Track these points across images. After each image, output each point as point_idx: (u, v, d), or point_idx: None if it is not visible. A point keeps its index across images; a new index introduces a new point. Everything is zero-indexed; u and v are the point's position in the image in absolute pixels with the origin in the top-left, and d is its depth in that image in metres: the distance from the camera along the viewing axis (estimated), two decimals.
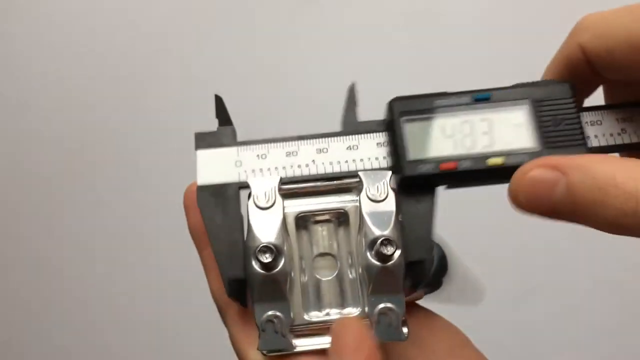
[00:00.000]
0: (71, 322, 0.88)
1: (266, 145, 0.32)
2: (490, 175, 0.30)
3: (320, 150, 0.32)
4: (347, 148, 0.32)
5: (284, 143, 0.32)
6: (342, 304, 0.30)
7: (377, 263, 0.29)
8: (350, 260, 0.31)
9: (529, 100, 0.31)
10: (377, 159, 0.32)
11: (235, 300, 0.30)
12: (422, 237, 0.30)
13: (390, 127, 0.31)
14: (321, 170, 0.31)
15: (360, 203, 0.30)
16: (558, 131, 0.30)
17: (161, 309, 0.86)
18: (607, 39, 0.28)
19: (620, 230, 0.24)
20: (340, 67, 0.85)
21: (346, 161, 0.32)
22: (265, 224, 0.29)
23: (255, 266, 0.29)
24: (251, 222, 0.30)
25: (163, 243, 0.85)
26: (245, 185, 0.31)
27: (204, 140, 0.32)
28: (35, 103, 0.94)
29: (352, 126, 0.33)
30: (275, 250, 0.29)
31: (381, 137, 0.32)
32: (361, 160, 0.32)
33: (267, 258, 0.28)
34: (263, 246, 0.29)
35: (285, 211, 0.30)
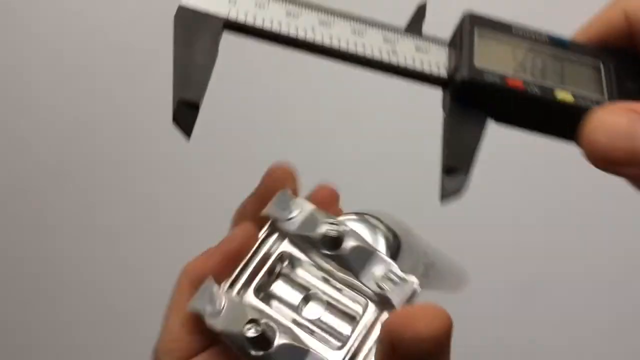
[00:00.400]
0: (71, 321, 0.87)
1: None
2: (555, 113, 0.27)
3: (322, 23, 0.29)
4: (353, 32, 0.29)
5: (287, 3, 0.29)
6: (354, 317, 0.28)
7: (338, 251, 0.28)
8: (323, 279, 0.29)
9: (604, 57, 0.29)
10: (413, 59, 0.28)
11: (177, 126, 0.27)
12: (466, 147, 0.27)
13: (459, 37, 0.28)
14: (318, 39, 0.28)
15: (280, 230, 0.29)
16: (628, 90, 0.28)
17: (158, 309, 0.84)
18: None
19: None
20: (340, 68, 0.83)
21: (355, 43, 0.28)
22: (233, 318, 0.27)
23: (259, 353, 0.26)
24: (220, 329, 0.27)
25: (163, 242, 0.85)
26: (232, 23, 0.28)
27: None
28: (35, 102, 0.91)
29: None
30: (259, 322, 0.26)
31: (424, 43, 0.29)
32: (395, 52, 0.28)
33: (256, 331, 0.26)
34: (246, 324, 0.26)
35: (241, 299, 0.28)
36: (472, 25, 0.28)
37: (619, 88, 0.28)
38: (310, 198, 0.32)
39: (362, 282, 0.28)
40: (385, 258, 0.28)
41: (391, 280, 0.27)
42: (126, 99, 0.90)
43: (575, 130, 0.26)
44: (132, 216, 0.88)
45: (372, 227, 0.31)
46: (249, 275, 0.29)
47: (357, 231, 0.29)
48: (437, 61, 0.28)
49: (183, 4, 0.28)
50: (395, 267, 0.28)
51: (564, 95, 0.27)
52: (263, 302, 0.28)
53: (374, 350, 0.27)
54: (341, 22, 0.29)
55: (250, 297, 0.28)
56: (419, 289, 0.27)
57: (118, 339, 0.86)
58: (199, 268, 0.29)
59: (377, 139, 0.84)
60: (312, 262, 0.29)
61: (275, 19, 0.28)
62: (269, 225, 0.30)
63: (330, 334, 0.28)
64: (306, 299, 0.29)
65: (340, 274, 0.29)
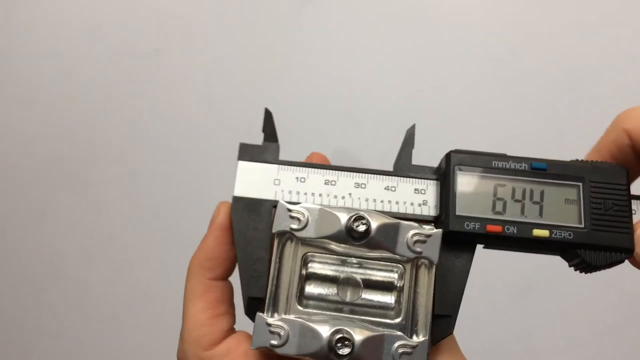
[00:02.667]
0: (71, 321, 0.88)
1: (306, 169, 0.32)
2: (533, 245, 0.31)
3: (358, 185, 0.32)
4: (385, 188, 0.32)
5: (324, 171, 0.32)
6: (389, 283, 0.31)
7: (367, 238, 0.30)
8: (341, 263, 0.31)
9: (583, 179, 0.31)
10: (412, 204, 0.32)
11: (250, 317, 0.31)
12: (453, 293, 0.31)
13: (444, 177, 0.32)
14: (356, 205, 0.32)
15: (297, 239, 0.31)
16: (607, 215, 0.30)
17: (159, 309, 0.85)
18: None
19: None
20: (338, 68, 0.85)
21: (382, 201, 0.32)
22: (305, 339, 0.29)
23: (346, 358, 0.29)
24: (296, 353, 0.29)
25: (162, 243, 0.85)
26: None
27: (247, 152, 0.33)
28: (37, 101, 0.91)
29: (405, 168, 0.33)
30: (342, 330, 0.29)
31: (420, 183, 0.32)
32: (397, 202, 0.32)
33: (344, 345, 0.29)
34: (336, 344, 0.29)
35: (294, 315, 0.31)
36: (454, 167, 0.31)
37: (596, 209, 0.30)
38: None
39: (397, 254, 0.30)
40: (406, 224, 0.30)
41: (420, 241, 0.30)
42: (127, 100, 0.90)
43: (555, 253, 0.31)
44: (131, 217, 0.89)
45: None
46: (287, 292, 0.30)
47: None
48: (406, 200, 0.32)
49: (236, 195, 0.32)
50: (417, 227, 0.30)
51: (540, 233, 0.30)
52: (307, 308, 0.30)
53: (429, 301, 0.30)
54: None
55: (297, 309, 0.30)
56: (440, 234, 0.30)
57: (117, 339, 0.87)
58: (203, 250, 0.32)
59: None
60: (326, 252, 0.31)
61: (316, 191, 0.32)
62: (279, 239, 0.31)
63: (378, 308, 0.31)
64: (340, 286, 0.31)
65: (357, 252, 0.31)
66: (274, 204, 0.32)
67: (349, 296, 0.31)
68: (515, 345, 0.81)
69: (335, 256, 0.31)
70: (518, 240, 0.30)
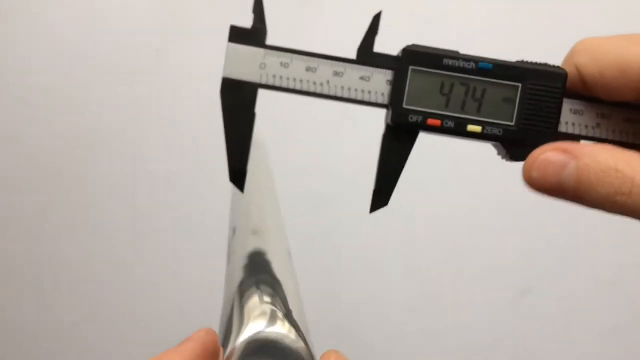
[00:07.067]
0: (71, 321, 0.89)
1: (290, 55, 0.35)
2: (467, 137, 0.36)
3: (336, 73, 0.35)
4: (361, 78, 0.36)
5: (307, 57, 0.35)
6: None
7: None
8: None
9: (524, 80, 0.35)
10: (383, 94, 0.36)
11: (236, 184, 0.36)
12: (392, 171, 0.36)
13: (398, 69, 0.35)
14: (332, 93, 0.35)
15: None
16: (537, 114, 0.35)
17: (160, 309, 0.87)
18: (601, 61, 0.32)
19: (614, 207, 0.30)
20: None
21: (356, 90, 0.36)
22: None
23: None
24: None
25: (162, 244, 0.86)
26: (264, 85, 0.35)
27: (236, 35, 0.35)
28: (37, 101, 0.90)
29: (366, 55, 0.36)
30: None
31: (391, 75, 0.36)
32: (369, 92, 0.36)
33: None
34: None
35: None
36: (407, 63, 0.35)
37: (530, 111, 0.35)
38: None
39: None
40: None
41: None
42: (127, 101, 0.91)
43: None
44: (131, 217, 0.91)
45: None
46: None
47: None
48: (378, 90, 0.35)
49: (225, 76, 0.35)
50: None
51: (473, 128, 0.35)
52: None
53: None
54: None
55: None
56: None
57: (116, 339, 0.92)
58: None
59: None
60: None
61: (297, 77, 0.35)
62: None
63: None
64: None
65: None
66: (259, 86, 0.35)
67: None
68: (515, 346, 0.85)
69: None
70: (454, 132, 0.35)
